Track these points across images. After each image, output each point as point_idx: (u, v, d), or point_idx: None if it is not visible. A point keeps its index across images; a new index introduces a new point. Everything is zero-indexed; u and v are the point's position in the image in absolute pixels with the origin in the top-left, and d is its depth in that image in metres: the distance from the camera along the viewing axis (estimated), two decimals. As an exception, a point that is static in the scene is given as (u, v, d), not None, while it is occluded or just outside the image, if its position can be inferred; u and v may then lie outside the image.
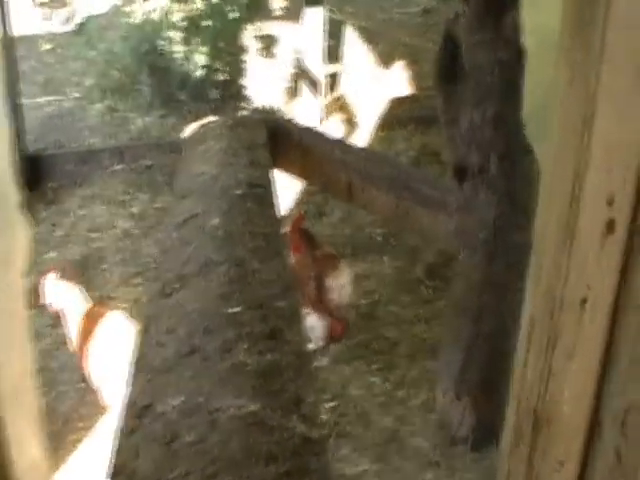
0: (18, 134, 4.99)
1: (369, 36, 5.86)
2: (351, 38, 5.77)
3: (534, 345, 0.95)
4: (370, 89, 5.56)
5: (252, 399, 1.35)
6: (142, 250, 4.47)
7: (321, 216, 4.48)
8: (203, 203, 2.28)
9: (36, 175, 5.14)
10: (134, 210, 4.86)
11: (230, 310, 1.64)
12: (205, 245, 1.98)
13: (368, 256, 4.01)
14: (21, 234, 0.69)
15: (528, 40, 1.18)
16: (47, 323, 3.26)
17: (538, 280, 0.95)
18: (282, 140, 3.34)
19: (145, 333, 1.65)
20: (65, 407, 2.91)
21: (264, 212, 2.25)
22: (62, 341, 3.04)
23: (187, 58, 5.51)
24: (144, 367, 1.49)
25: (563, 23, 0.90)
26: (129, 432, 1.30)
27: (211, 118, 3.50)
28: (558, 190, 0.89)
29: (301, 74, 5.40)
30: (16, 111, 4.96)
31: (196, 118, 3.52)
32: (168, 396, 1.34)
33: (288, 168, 3.34)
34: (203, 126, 3.27)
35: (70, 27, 6.27)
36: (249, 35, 5.73)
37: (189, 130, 3.29)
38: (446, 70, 2.64)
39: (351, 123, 5.43)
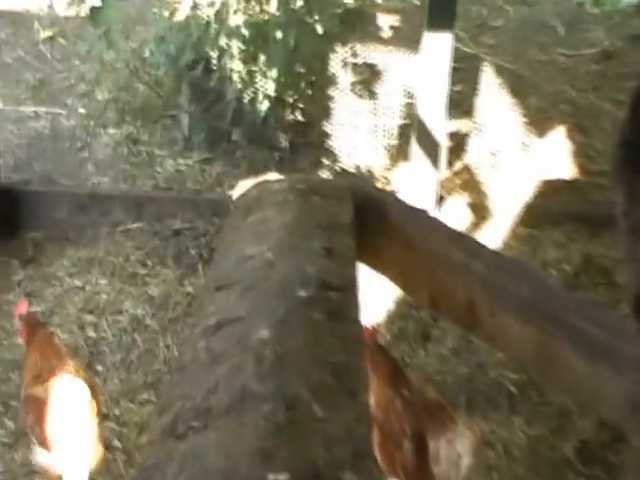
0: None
1: (516, 83, 5.93)
2: (489, 83, 5.86)
3: None
4: (512, 163, 5.58)
5: None
6: (156, 352, 4.57)
7: (425, 340, 4.48)
8: (249, 303, 2.29)
9: (11, 218, 5.34)
10: (152, 291, 5.00)
11: (271, 477, 1.61)
12: (244, 368, 1.97)
13: (491, 413, 3.98)
14: None
15: None
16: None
17: None
18: (376, 223, 3.34)
19: (136, 492, 1.63)
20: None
21: (338, 329, 2.23)
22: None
23: (248, 82, 5.67)
24: None
25: None
26: None
27: (274, 175, 3.56)
28: None
29: (413, 128, 5.47)
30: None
31: (252, 171, 3.62)
32: None
33: (380, 265, 3.33)
34: (261, 185, 3.33)
35: (80, 11, 6.45)
36: (340, 60, 5.88)
37: (240, 188, 3.35)
38: (633, 151, 2.62)
39: (480, 210, 5.45)
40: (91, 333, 4.74)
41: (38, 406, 3.65)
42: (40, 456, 3.77)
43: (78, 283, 5.11)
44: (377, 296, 4.10)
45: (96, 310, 4.92)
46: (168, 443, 1.78)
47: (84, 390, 3.74)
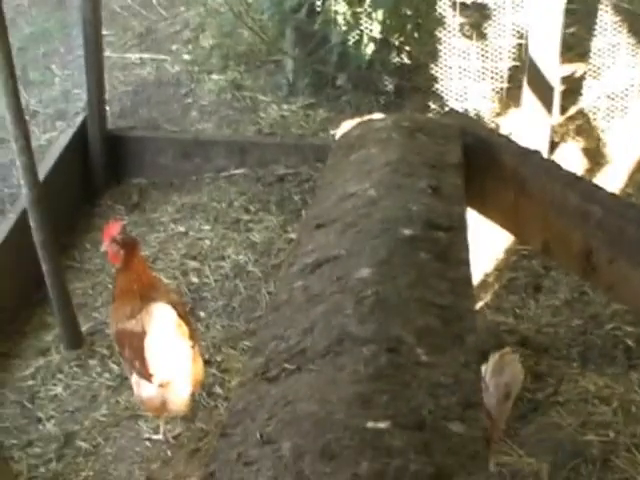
0: (97, 102, 5.19)
1: (634, 23, 5.58)
2: (605, 24, 5.52)
3: None
4: (629, 107, 5.30)
5: None
6: (258, 298, 4.51)
7: (536, 291, 4.29)
8: (349, 241, 2.15)
9: (117, 164, 5.35)
10: (254, 237, 4.92)
11: (370, 425, 1.48)
12: (343, 309, 1.83)
13: (606, 368, 3.84)
14: None
15: None
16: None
17: None
18: (486, 165, 3.18)
19: (224, 437, 1.52)
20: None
21: (446, 271, 2.08)
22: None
23: (353, 24, 5.50)
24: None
25: None
26: None
27: (378, 115, 3.42)
28: None
29: (524, 71, 5.22)
30: (95, 69, 5.15)
31: (357, 116, 3.47)
32: None
33: (489, 209, 3.18)
34: (364, 124, 3.19)
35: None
36: (448, 1, 5.63)
37: (343, 128, 3.23)
38: None
39: (595, 156, 5.19)
40: (194, 279, 4.69)
41: (134, 339, 3.53)
42: (143, 389, 3.61)
43: (181, 229, 5.06)
44: (484, 242, 3.92)
45: (199, 256, 4.86)
46: (259, 386, 1.65)
47: (175, 316, 3.55)
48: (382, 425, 1.48)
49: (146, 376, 3.53)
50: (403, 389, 1.60)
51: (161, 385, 3.52)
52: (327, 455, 1.41)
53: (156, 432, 3.82)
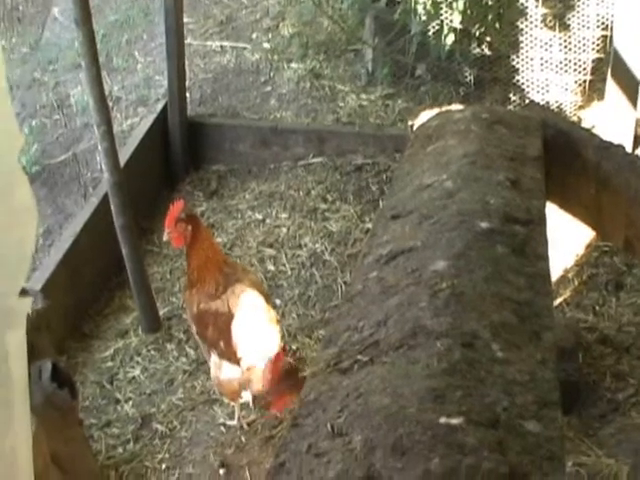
0: (178, 89, 5.22)
1: None
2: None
3: None
4: None
5: None
6: (334, 288, 4.48)
7: (617, 289, 4.17)
8: (425, 233, 2.12)
9: (196, 151, 5.38)
10: (331, 226, 4.89)
11: (443, 420, 1.45)
12: (417, 301, 1.80)
13: None
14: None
15: None
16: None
17: None
18: (567, 159, 3.11)
19: (295, 428, 1.50)
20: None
21: (523, 266, 2.03)
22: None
23: (433, 14, 5.43)
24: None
25: None
26: None
27: (457, 106, 3.37)
28: None
29: (608, 63, 5.09)
30: (176, 56, 5.18)
31: (436, 105, 3.42)
32: None
33: (569, 204, 3.11)
34: (442, 114, 3.15)
35: None
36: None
37: (421, 118, 3.19)
38: None
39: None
40: (270, 266, 4.69)
41: (219, 320, 3.47)
42: (223, 371, 3.58)
43: (259, 216, 5.07)
44: (564, 238, 3.83)
45: (276, 244, 4.86)
46: (332, 377, 1.63)
47: (262, 299, 3.51)
48: (455, 421, 1.45)
49: (232, 358, 3.48)
50: (477, 385, 1.57)
51: (247, 369, 3.47)
52: (398, 450, 1.39)
53: (231, 418, 3.82)
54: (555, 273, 4.25)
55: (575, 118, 5.35)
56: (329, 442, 1.44)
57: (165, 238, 3.63)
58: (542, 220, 2.39)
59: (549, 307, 1.94)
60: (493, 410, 1.50)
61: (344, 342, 1.74)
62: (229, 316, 3.45)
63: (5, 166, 0.95)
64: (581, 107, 5.46)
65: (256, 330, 3.46)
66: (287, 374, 3.47)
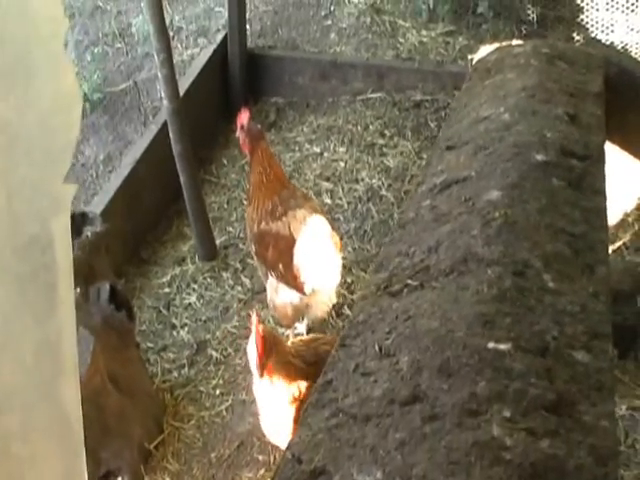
0: (238, 20, 5.17)
1: None
2: None
3: None
4: None
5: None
6: (390, 223, 4.46)
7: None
8: (479, 163, 2.08)
9: (255, 83, 5.34)
10: (388, 162, 4.84)
11: (491, 345, 1.43)
12: (470, 229, 1.78)
13: None
14: None
15: None
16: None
17: None
18: (630, 98, 3.03)
19: (343, 348, 1.50)
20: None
21: (579, 199, 1.99)
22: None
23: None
24: (329, 407, 1.35)
25: None
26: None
27: (517, 41, 3.29)
28: None
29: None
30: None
31: (498, 42, 3.34)
32: (354, 469, 1.18)
33: (631, 144, 3.04)
34: (502, 49, 3.08)
35: None
36: None
37: (481, 52, 3.12)
38: None
39: None
40: (327, 200, 4.66)
41: (280, 242, 3.40)
42: (279, 294, 3.52)
43: (317, 150, 5.03)
44: (626, 179, 3.73)
45: (333, 177, 4.83)
46: (381, 300, 1.62)
47: (326, 223, 3.39)
48: (503, 347, 1.44)
49: (291, 282, 3.42)
50: (527, 313, 1.55)
51: (309, 294, 3.41)
52: (445, 372, 1.38)
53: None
54: (615, 217, 4.16)
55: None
56: (376, 362, 1.44)
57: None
58: (601, 156, 2.33)
59: (604, 241, 1.91)
60: (542, 338, 1.49)
61: (395, 267, 1.73)
62: (290, 239, 3.38)
63: (50, 51, 0.95)
64: (646, 47, 5.31)
65: (321, 255, 3.37)
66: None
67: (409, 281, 1.65)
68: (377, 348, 1.48)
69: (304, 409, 1.40)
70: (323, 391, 1.41)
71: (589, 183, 2.12)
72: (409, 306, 1.57)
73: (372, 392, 1.36)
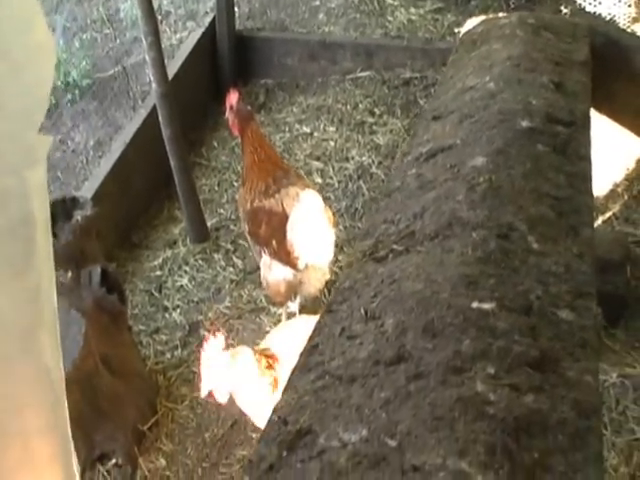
0: (226, 2, 5.16)
1: None
2: None
3: None
4: None
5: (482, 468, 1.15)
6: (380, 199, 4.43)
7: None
8: (465, 131, 2.09)
9: (244, 65, 5.34)
10: (378, 139, 4.84)
11: (475, 305, 1.44)
12: (454, 194, 1.78)
13: None
14: None
15: None
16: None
17: None
18: (616, 67, 3.03)
19: (329, 313, 1.51)
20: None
21: (564, 165, 2.00)
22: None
23: None
24: (315, 370, 1.36)
25: None
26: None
27: (503, 14, 3.28)
28: None
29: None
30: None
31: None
32: (339, 428, 1.19)
33: (617, 112, 3.04)
34: (488, 21, 3.08)
35: None
36: None
37: (467, 25, 3.12)
38: None
39: None
40: (318, 179, 4.67)
41: (273, 218, 3.43)
42: (272, 272, 3.54)
43: (307, 130, 5.05)
44: (613, 150, 3.74)
45: (323, 157, 4.84)
46: (367, 266, 1.63)
47: (319, 199, 3.42)
48: (487, 306, 1.45)
49: (284, 259, 3.44)
50: (511, 274, 1.55)
51: (302, 270, 3.44)
52: (429, 332, 1.39)
53: (277, 326, 3.84)
54: (604, 187, 4.17)
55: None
56: (362, 325, 1.45)
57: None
58: (586, 123, 2.34)
59: (589, 205, 1.91)
60: (526, 297, 1.50)
61: (380, 234, 1.74)
62: (283, 216, 3.40)
63: (22, 4, 0.95)
64: (635, 20, 5.30)
65: (314, 231, 3.40)
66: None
67: (394, 246, 1.65)
68: (363, 312, 1.48)
69: (290, 373, 1.41)
70: (309, 355, 1.42)
71: (574, 149, 2.12)
72: (394, 270, 1.58)
73: (358, 354, 1.37)
